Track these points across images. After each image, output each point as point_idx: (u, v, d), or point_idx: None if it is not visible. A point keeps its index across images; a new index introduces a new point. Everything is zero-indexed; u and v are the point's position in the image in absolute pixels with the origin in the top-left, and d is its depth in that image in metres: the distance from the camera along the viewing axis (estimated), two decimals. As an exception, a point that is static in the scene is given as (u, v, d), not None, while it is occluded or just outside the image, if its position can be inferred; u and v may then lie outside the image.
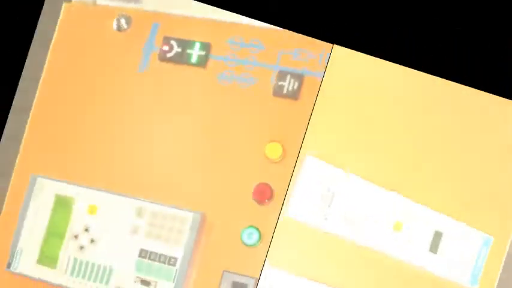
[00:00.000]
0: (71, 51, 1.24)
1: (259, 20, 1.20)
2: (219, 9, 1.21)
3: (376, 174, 1.15)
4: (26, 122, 1.24)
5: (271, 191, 1.16)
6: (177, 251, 1.17)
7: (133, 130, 1.22)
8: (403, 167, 1.15)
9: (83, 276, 1.20)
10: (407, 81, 1.16)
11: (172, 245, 1.17)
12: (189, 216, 1.17)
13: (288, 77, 1.18)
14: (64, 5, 1.25)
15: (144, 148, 1.21)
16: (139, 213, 1.18)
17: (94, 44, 1.23)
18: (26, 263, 1.22)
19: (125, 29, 1.22)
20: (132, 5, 1.23)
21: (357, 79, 1.17)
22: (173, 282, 1.17)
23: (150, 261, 1.18)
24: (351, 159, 1.16)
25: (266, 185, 1.17)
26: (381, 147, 1.15)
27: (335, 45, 1.18)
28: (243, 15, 1.21)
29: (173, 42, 1.22)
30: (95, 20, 1.24)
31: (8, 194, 1.23)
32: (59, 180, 1.23)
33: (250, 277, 1.15)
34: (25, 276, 1.22)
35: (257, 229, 1.16)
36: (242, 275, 1.16)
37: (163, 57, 1.23)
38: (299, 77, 1.18)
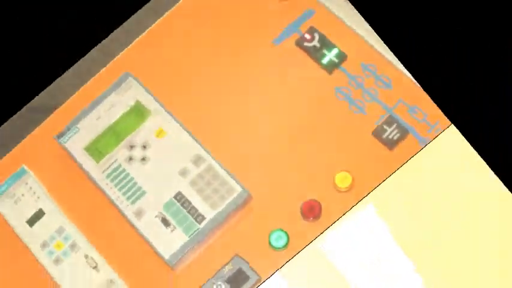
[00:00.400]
0: None
1: (404, 64, 1.20)
2: (375, 33, 1.21)
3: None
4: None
5: (319, 211, 1.16)
6: (209, 213, 1.17)
7: (238, 90, 1.24)
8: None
9: (116, 185, 1.21)
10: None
11: (208, 205, 1.18)
12: (237, 190, 1.18)
13: (395, 125, 1.18)
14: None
15: (238, 114, 1.23)
16: (197, 160, 1.19)
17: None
18: (75, 143, 1.24)
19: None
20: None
21: (448, 169, 1.16)
22: (188, 237, 1.17)
23: (180, 206, 1.18)
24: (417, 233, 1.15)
25: (317, 203, 1.17)
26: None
27: (452, 126, 1.17)
28: (392, 51, 1.21)
29: (316, 35, 1.23)
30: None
31: (95, 78, 1.25)
32: (148, 91, 1.24)
33: (257, 274, 1.15)
34: (68, 153, 1.23)
35: (287, 234, 1.16)
36: (251, 268, 1.16)
37: (299, 43, 1.24)
38: (404, 132, 1.18)
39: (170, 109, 1.23)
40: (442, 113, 1.17)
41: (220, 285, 1.16)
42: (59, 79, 1.24)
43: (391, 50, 1.19)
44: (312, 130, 1.20)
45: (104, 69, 1.28)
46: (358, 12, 1.21)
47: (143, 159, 1.21)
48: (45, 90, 1.23)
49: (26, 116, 1.24)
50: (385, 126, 1.18)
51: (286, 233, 1.16)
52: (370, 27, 1.22)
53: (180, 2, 1.30)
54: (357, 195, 1.16)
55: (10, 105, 1.23)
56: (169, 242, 1.17)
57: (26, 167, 1.25)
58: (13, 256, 1.22)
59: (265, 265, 1.16)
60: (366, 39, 1.24)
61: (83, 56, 1.26)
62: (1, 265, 1.22)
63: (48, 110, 1.24)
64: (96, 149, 1.22)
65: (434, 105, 1.19)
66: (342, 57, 1.23)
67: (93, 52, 1.26)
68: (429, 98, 1.18)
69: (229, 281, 1.16)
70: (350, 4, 1.24)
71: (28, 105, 1.22)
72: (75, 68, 1.24)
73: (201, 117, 1.24)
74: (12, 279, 1.22)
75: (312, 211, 1.16)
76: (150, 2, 1.27)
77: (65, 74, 1.25)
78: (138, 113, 1.23)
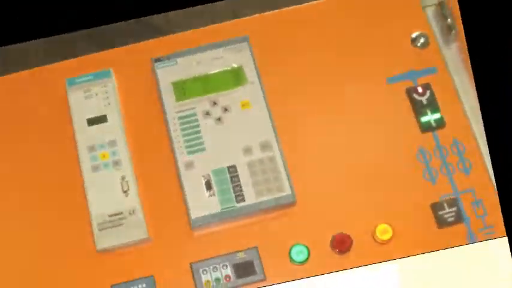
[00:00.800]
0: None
1: (493, 160, 1.20)
2: (480, 118, 1.21)
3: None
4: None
5: (348, 248, 1.17)
6: (250, 198, 1.19)
7: (334, 107, 1.26)
8: None
9: (183, 130, 1.23)
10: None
11: (254, 191, 1.19)
12: (286, 190, 1.19)
13: (454, 209, 1.19)
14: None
15: (322, 128, 1.25)
16: (265, 146, 1.21)
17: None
18: (167, 74, 1.26)
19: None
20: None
21: (482, 277, 1.16)
22: (221, 210, 1.18)
23: (229, 178, 1.19)
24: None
25: (350, 240, 1.18)
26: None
27: (505, 239, 1.17)
28: (490, 137, 1.21)
29: (428, 93, 1.25)
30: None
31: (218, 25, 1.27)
32: (255, 62, 1.26)
33: (263, 273, 1.17)
34: (156, 79, 1.25)
35: (308, 254, 1.17)
36: (261, 265, 1.17)
37: (409, 92, 1.26)
38: (459, 219, 1.19)
39: (266, 90, 1.24)
40: (502, 221, 1.17)
41: (226, 265, 1.18)
42: (190, 8, 1.25)
43: (490, 137, 1.19)
44: (378, 175, 1.21)
45: (231, 21, 1.29)
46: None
47: (218, 119, 1.22)
48: (172, 13, 1.24)
49: (139, 28, 1.25)
50: (445, 205, 1.19)
51: (308, 252, 1.17)
52: (479, 108, 1.22)
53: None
54: (387, 252, 1.17)
55: (137, 10, 1.24)
56: (202, 204, 1.18)
57: (112, 72, 1.26)
58: (57, 147, 1.25)
59: (276, 270, 1.17)
60: (470, 119, 1.24)
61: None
62: (45, 150, 1.24)
63: (161, 32, 1.25)
64: (182, 89, 1.23)
65: (499, 211, 1.19)
66: (440, 124, 1.23)
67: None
68: (498, 203, 1.18)
69: (236, 267, 1.18)
70: (472, 81, 1.24)
71: (148, 17, 1.23)
72: (210, 6, 1.24)
73: (287, 112, 1.25)
74: (48, 167, 1.24)
75: (342, 244, 1.17)
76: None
77: (197, 7, 1.25)
78: (236, 76, 1.24)
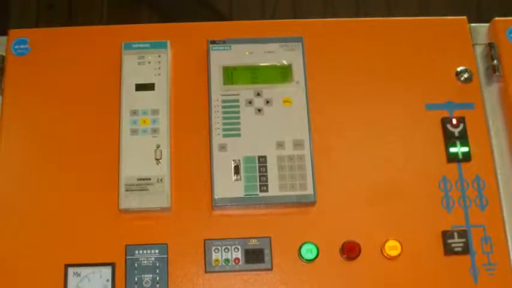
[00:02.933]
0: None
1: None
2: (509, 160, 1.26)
3: None
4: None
5: (356, 256, 1.22)
6: (273, 190, 1.23)
7: (371, 123, 1.31)
8: None
9: (223, 113, 1.27)
10: None
11: (278, 184, 1.23)
12: (309, 190, 1.23)
13: (463, 240, 1.24)
14: None
15: (355, 142, 1.29)
16: (297, 144, 1.25)
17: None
18: (219, 57, 1.30)
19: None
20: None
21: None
22: (244, 195, 1.23)
23: (257, 167, 1.24)
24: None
25: (358, 248, 1.22)
26: None
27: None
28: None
29: (461, 126, 1.29)
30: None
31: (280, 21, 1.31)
32: (304, 65, 1.30)
33: (271, 263, 1.21)
34: (207, 60, 1.29)
35: (317, 248, 1.21)
36: (270, 256, 1.22)
37: (444, 122, 1.31)
38: (465, 251, 1.23)
39: (309, 92, 1.29)
40: (508, 260, 1.22)
41: (237, 248, 1.22)
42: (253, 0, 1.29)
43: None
44: (398, 194, 1.26)
45: (290, 20, 1.34)
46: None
47: (259, 110, 1.27)
48: (235, 0, 1.28)
49: (202, 9, 1.29)
50: (455, 235, 1.23)
51: (318, 252, 1.21)
52: (508, 152, 1.27)
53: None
54: (391, 268, 1.22)
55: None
56: (227, 187, 1.23)
57: (169, 44, 1.30)
58: (102, 106, 1.30)
59: (283, 263, 1.22)
60: (496, 159, 1.29)
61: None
62: (89, 106, 1.29)
63: (222, 17, 1.29)
64: (231, 75, 1.28)
65: (506, 251, 1.23)
66: (467, 158, 1.28)
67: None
68: (506, 243, 1.23)
69: (246, 252, 1.22)
70: (504, 123, 1.29)
71: (213, 0, 1.26)
72: (273, 2, 1.28)
73: (325, 117, 1.30)
74: (90, 123, 1.29)
75: (351, 251, 1.22)
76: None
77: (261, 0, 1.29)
78: (284, 73, 1.29)
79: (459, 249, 1.23)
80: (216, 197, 1.22)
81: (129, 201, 1.22)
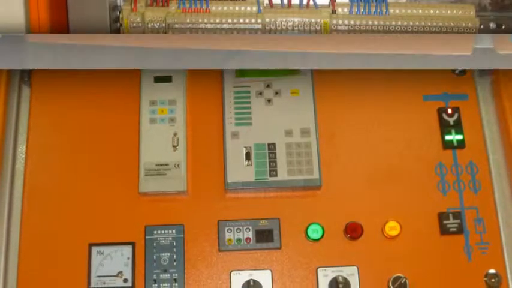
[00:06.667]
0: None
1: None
2: (501, 147, 1.34)
3: None
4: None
5: (358, 235, 1.29)
6: (282, 175, 1.30)
7: (371, 117, 1.37)
8: None
9: (235, 103, 1.35)
10: None
11: (286, 169, 1.30)
12: (315, 175, 1.30)
13: (458, 221, 1.30)
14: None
15: (356, 132, 1.35)
16: (305, 132, 1.32)
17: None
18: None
19: None
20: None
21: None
22: (254, 179, 1.30)
23: (267, 154, 1.31)
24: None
25: (360, 229, 1.29)
26: None
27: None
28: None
29: (456, 115, 1.36)
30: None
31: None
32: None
33: (280, 243, 1.28)
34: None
35: (323, 229, 1.28)
36: (279, 235, 1.28)
37: (440, 111, 1.37)
38: (460, 231, 1.30)
39: (315, 84, 1.36)
40: (500, 239, 1.30)
41: (249, 229, 1.29)
42: None
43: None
44: (398, 178, 1.32)
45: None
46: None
47: (269, 101, 1.34)
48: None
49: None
50: (451, 216, 1.30)
51: (323, 232, 1.28)
52: (499, 139, 1.34)
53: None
54: (391, 246, 1.29)
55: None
56: (239, 171, 1.30)
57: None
58: (124, 96, 1.36)
59: (291, 242, 1.29)
60: (488, 145, 1.35)
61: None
62: (111, 96, 1.35)
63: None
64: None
65: (497, 231, 1.31)
66: (461, 144, 1.34)
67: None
68: (498, 224, 1.31)
69: (257, 232, 1.29)
70: (496, 113, 1.37)
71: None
72: None
73: (330, 107, 1.36)
74: (113, 113, 1.35)
75: (354, 231, 1.29)
76: None
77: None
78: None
79: (454, 229, 1.29)
80: (229, 181, 1.29)
81: (149, 185, 1.29)
